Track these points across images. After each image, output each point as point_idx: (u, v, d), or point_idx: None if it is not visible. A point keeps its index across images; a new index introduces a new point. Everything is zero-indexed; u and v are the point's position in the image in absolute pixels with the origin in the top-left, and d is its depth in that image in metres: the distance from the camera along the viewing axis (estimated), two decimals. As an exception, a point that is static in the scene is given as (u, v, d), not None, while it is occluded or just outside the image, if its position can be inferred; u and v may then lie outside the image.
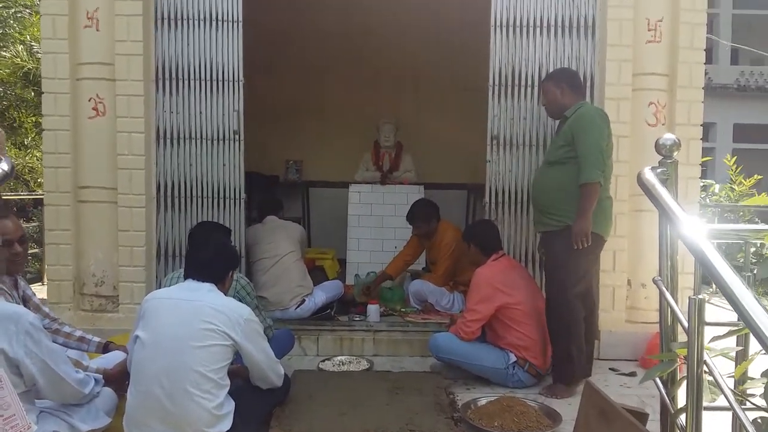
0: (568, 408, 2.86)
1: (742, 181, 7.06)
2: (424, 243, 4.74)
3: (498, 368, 3.26)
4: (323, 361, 3.64)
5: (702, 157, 3.97)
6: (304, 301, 4.14)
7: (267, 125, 6.24)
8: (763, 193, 6.90)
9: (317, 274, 4.90)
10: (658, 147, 2.08)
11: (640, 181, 2.06)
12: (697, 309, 1.70)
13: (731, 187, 7.18)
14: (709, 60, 11.93)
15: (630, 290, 3.86)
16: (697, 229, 1.74)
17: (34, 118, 7.82)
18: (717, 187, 7.44)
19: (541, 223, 3.36)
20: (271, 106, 6.23)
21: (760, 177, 7.53)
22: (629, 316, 3.86)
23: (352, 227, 5.46)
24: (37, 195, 6.87)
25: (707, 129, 13.04)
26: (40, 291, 5.70)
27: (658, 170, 2.06)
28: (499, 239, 3.58)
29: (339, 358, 3.70)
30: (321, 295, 4.30)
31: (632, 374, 3.50)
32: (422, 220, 4.57)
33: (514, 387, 3.23)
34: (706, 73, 3.91)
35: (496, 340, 3.35)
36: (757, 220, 6.74)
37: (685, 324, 1.81)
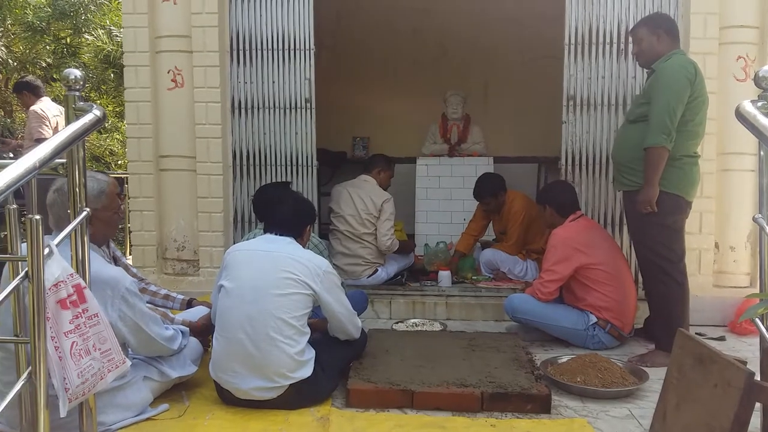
0: (654, 370, 2.74)
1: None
2: (491, 215, 4.64)
3: (577, 329, 3.17)
4: (396, 323, 3.65)
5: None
6: (376, 271, 4.17)
7: (334, 102, 6.29)
8: None
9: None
10: (758, 80, 1.94)
11: (739, 114, 1.92)
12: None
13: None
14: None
15: (718, 253, 3.68)
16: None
17: (112, 107, 8.24)
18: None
19: (619, 182, 3.22)
20: (337, 82, 6.27)
21: None
22: (717, 281, 3.68)
23: (420, 200, 5.41)
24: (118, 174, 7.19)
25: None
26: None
27: (759, 103, 1.93)
28: (576, 199, 3.47)
29: (412, 320, 3.70)
30: (393, 264, 4.32)
31: (721, 338, 3.33)
32: (490, 194, 4.43)
33: (594, 349, 3.12)
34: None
35: (575, 301, 3.26)
36: None
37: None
